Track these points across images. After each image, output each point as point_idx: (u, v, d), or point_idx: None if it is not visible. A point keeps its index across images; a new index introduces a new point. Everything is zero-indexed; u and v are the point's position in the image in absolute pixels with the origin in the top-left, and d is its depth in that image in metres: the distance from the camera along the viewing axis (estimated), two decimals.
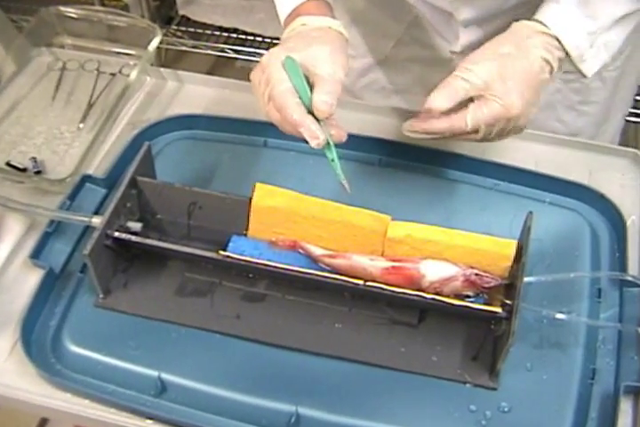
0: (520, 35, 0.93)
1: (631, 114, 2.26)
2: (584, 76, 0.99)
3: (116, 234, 0.93)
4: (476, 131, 0.91)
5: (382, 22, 1.24)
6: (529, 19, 0.95)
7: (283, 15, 1.00)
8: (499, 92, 0.89)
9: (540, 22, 0.94)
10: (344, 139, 0.89)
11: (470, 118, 0.89)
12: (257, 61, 2.88)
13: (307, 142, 0.87)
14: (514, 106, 0.89)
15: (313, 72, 0.88)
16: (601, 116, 1.29)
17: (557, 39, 0.93)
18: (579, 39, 0.94)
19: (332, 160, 0.89)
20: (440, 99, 0.89)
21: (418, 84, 1.30)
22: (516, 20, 0.95)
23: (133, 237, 0.94)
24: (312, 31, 0.94)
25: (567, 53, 0.95)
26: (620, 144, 1.17)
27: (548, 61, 0.92)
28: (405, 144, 1.10)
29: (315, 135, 0.86)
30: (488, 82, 0.89)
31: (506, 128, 0.92)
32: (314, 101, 0.87)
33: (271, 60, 0.89)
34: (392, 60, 1.30)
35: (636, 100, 2.23)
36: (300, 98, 0.88)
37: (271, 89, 0.87)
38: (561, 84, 1.20)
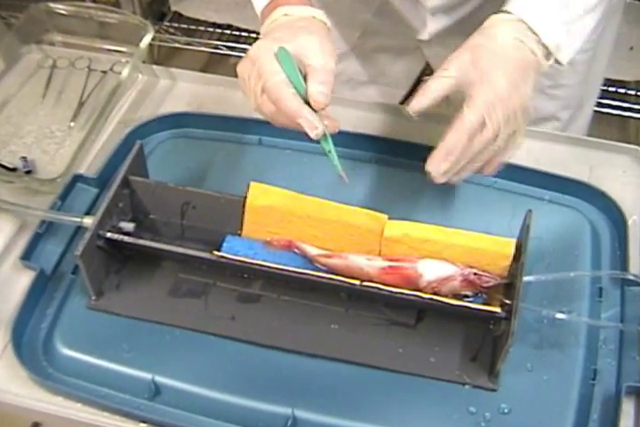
0: (489, 25, 0.92)
1: (607, 106, 2.27)
2: (559, 64, 0.97)
3: (109, 234, 0.93)
4: (483, 127, 0.88)
5: (349, 11, 1.24)
6: (500, 10, 0.93)
7: (259, 6, 0.98)
8: (477, 78, 0.88)
9: (510, 13, 0.92)
10: (337, 129, 0.88)
11: (467, 112, 0.87)
12: None
13: (304, 134, 0.86)
14: (497, 85, 0.87)
15: (305, 63, 0.88)
16: (572, 101, 1.29)
17: (531, 29, 0.91)
18: (554, 29, 0.93)
19: (329, 151, 0.88)
20: (416, 100, 0.89)
21: (385, 75, 1.30)
22: (486, 12, 0.94)
23: (126, 238, 0.94)
24: (297, 21, 0.92)
25: (542, 43, 0.93)
26: (621, 141, 1.17)
27: (522, 41, 0.90)
28: (401, 141, 1.11)
29: (313, 125, 0.85)
30: (463, 73, 0.88)
31: (508, 115, 0.88)
32: (310, 92, 0.86)
33: (261, 52, 0.88)
34: (359, 50, 1.29)
35: (610, 92, 2.24)
36: (295, 89, 0.87)
37: (265, 81, 0.87)
38: None
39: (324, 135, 0.87)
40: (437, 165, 0.89)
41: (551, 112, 1.29)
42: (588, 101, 1.35)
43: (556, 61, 0.96)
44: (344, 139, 1.02)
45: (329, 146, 0.88)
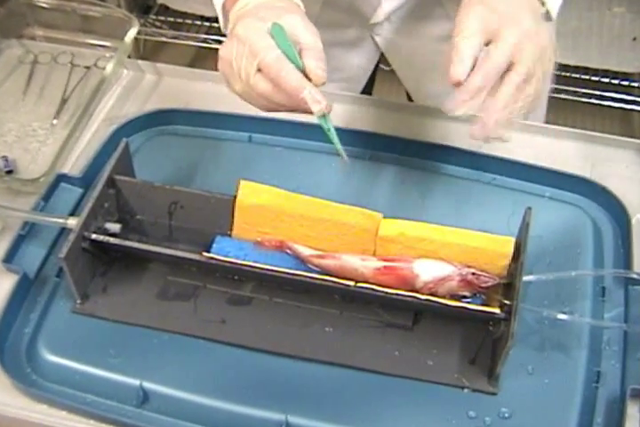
0: None
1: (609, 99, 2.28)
2: (550, 18, 0.96)
3: (94, 236, 0.93)
4: (511, 67, 0.85)
5: None
6: None
7: None
8: (502, 22, 0.85)
9: None
10: (331, 108, 0.87)
11: (494, 53, 0.84)
12: None
13: (303, 112, 0.86)
14: (524, 24, 0.85)
15: (296, 41, 0.87)
16: None
17: None
18: None
19: (328, 130, 0.88)
20: (454, 68, 0.84)
21: (340, 70, 1.30)
22: None
23: (112, 239, 0.94)
24: (275, 2, 0.91)
25: None
26: (624, 135, 1.17)
27: None
28: (397, 138, 1.11)
29: (318, 100, 0.85)
30: (486, 23, 0.85)
31: (540, 52, 0.86)
32: (309, 68, 0.86)
33: (250, 31, 0.87)
34: None
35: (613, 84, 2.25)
36: (291, 60, 0.86)
37: (262, 58, 0.85)
38: None
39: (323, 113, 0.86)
40: (456, 107, 0.86)
41: None
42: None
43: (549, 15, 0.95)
44: (339, 135, 1.03)
45: (328, 124, 0.88)
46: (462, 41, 0.85)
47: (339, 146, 0.88)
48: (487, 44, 0.85)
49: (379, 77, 1.44)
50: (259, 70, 0.86)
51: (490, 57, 0.84)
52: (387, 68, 1.35)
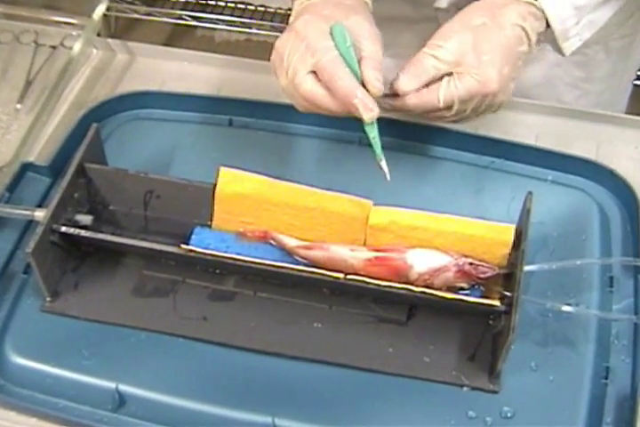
0: (496, 3, 0.94)
1: None
2: (562, 54, 1.00)
3: (64, 229, 0.94)
4: (449, 107, 0.92)
5: None
6: None
7: None
8: (473, 67, 0.90)
9: None
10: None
11: (443, 94, 0.91)
12: (221, 29, 2.86)
13: (354, 118, 0.89)
14: (490, 80, 0.91)
15: (357, 46, 0.90)
16: (606, 96, 1.30)
17: (542, 10, 0.94)
18: (565, 13, 0.96)
19: (374, 138, 0.91)
20: (407, 79, 0.91)
21: (394, 44, 1.30)
22: None
23: (83, 232, 0.94)
24: None
25: (549, 27, 0.96)
26: (632, 113, 1.18)
27: (525, 32, 0.93)
28: (388, 119, 1.10)
29: (369, 107, 0.88)
30: (461, 57, 0.90)
31: (481, 105, 0.93)
32: (367, 78, 0.89)
33: (310, 28, 0.90)
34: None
35: None
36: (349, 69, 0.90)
37: (319, 58, 0.88)
38: (560, 57, 1.22)
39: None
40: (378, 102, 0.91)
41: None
42: (622, 97, 1.36)
43: (559, 51, 0.98)
44: (322, 117, 1.03)
45: (374, 131, 0.90)
46: (428, 58, 0.91)
47: (381, 157, 0.91)
48: None
49: None
50: (312, 71, 0.89)
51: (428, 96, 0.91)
52: None
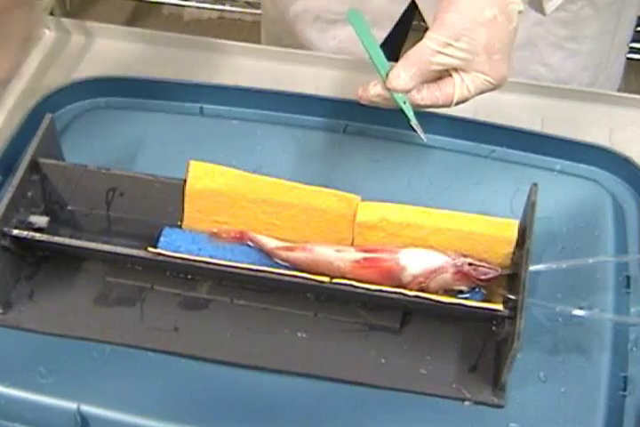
0: None
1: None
2: (542, 13, 1.01)
3: (15, 232, 0.94)
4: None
5: None
6: None
7: None
8: (485, 67, 0.92)
9: None
10: None
11: (457, 97, 0.93)
12: (190, 6, 2.86)
13: None
14: (503, 79, 0.93)
15: None
16: (595, 58, 1.31)
17: None
18: None
19: (404, 102, 0.93)
20: (409, 77, 0.92)
21: (362, 10, 1.31)
22: None
23: (38, 235, 0.94)
24: None
25: None
26: None
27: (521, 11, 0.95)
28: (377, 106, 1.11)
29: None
30: (472, 56, 0.91)
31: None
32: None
33: None
34: None
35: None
36: (371, 59, 0.93)
37: None
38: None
39: None
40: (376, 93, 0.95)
41: (569, 73, 1.31)
42: (615, 60, 1.37)
43: (539, 10, 1.00)
44: (304, 104, 1.04)
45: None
46: (436, 56, 0.92)
47: (414, 120, 0.94)
48: None
49: (411, 38, 1.46)
50: None
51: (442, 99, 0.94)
52: (424, 25, 1.36)
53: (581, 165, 1.09)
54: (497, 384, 0.91)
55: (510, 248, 0.93)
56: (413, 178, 1.08)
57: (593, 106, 1.17)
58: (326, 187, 0.96)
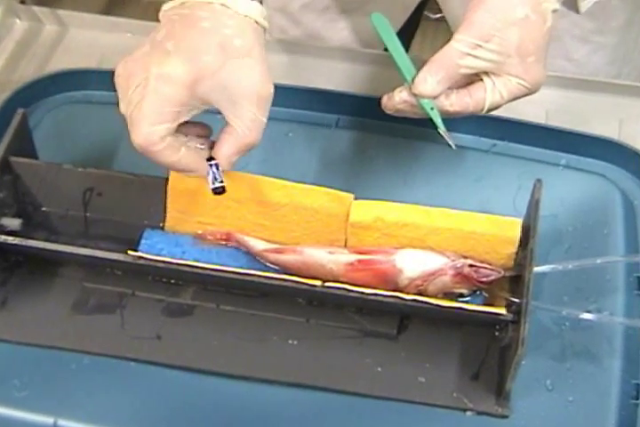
0: None
1: None
2: (576, 11, 1.01)
3: None
4: None
5: None
6: None
7: None
8: (518, 70, 0.91)
9: None
10: None
11: (489, 104, 0.92)
12: None
13: None
14: (538, 83, 0.93)
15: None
16: (620, 50, 1.31)
17: None
18: None
19: (432, 109, 0.92)
20: (434, 81, 0.91)
21: (374, 1, 1.32)
22: None
23: (10, 239, 0.94)
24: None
25: None
26: None
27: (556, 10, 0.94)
28: (371, 98, 1.11)
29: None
30: (503, 59, 0.91)
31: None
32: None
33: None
34: None
35: None
36: (396, 64, 0.92)
37: None
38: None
39: None
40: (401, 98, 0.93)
41: (595, 68, 1.31)
42: (638, 54, 1.37)
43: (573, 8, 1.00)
44: (294, 98, 1.04)
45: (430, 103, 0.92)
46: (466, 58, 0.90)
47: (442, 127, 0.93)
48: None
49: (422, 28, 1.47)
50: None
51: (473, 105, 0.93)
52: (433, 16, 1.36)
53: (589, 160, 1.10)
54: (500, 393, 0.91)
55: (513, 248, 0.93)
56: (409, 175, 1.08)
57: (601, 96, 1.17)
58: (317, 185, 0.96)
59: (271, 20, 1.36)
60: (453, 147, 0.94)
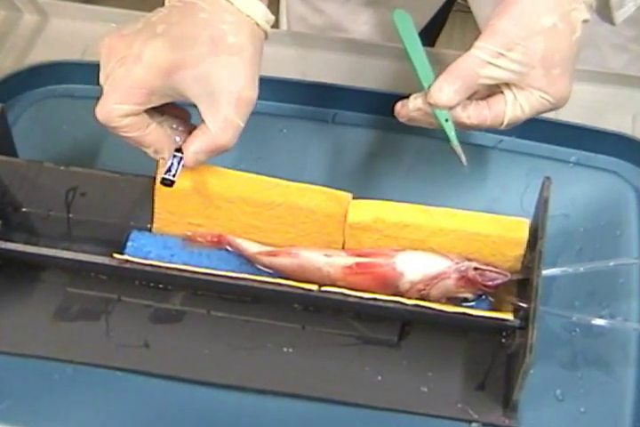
0: None
1: None
2: (611, 23, 1.01)
3: None
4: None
5: None
6: None
7: None
8: (543, 84, 0.91)
9: None
10: None
11: (509, 118, 0.92)
12: None
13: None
14: (563, 98, 0.92)
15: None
16: None
17: None
18: None
19: (447, 120, 0.92)
20: (450, 90, 0.91)
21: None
22: None
23: None
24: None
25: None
26: None
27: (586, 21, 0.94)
28: (369, 92, 1.12)
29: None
30: (526, 70, 0.90)
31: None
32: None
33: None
34: None
35: None
36: (413, 67, 0.93)
37: None
38: None
39: None
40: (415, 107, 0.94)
41: None
42: None
43: (607, 19, 1.01)
44: (289, 91, 1.04)
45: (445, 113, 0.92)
46: (486, 68, 0.90)
47: (455, 142, 0.93)
48: None
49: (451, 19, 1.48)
50: None
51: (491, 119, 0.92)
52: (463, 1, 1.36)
53: (600, 156, 1.10)
54: (508, 404, 0.91)
55: (521, 250, 0.94)
56: (410, 172, 1.09)
57: (613, 89, 1.17)
58: (313, 183, 0.96)
59: (291, 7, 1.37)
60: (465, 163, 0.94)
